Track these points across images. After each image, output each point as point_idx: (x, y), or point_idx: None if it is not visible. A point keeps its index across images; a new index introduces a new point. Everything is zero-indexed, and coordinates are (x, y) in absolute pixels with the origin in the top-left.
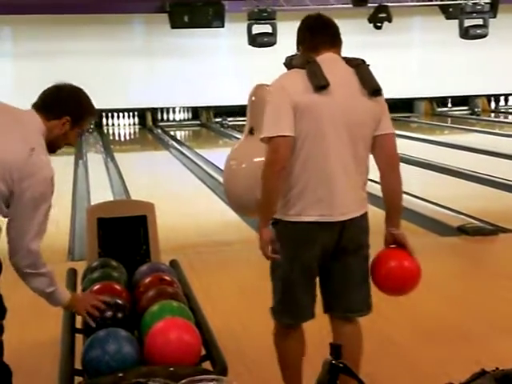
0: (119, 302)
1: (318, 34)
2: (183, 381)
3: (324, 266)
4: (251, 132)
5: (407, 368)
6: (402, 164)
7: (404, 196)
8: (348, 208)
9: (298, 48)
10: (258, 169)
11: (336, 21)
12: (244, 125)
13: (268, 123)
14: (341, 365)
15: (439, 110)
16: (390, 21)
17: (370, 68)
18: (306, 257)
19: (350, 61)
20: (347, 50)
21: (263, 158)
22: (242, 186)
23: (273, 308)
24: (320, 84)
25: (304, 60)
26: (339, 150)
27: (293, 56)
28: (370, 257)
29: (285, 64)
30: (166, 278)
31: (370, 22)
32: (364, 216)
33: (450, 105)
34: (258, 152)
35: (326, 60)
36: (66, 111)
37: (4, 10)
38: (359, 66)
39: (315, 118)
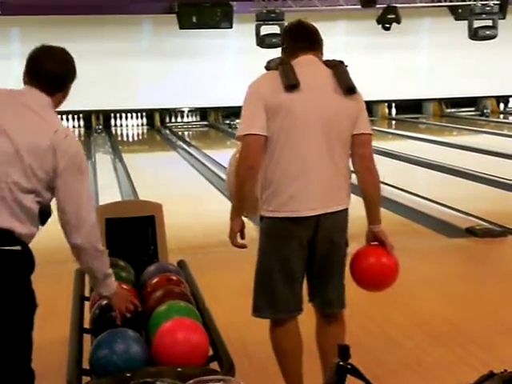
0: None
1: (298, 41)
2: (191, 381)
3: (305, 260)
4: None
5: (414, 370)
6: (411, 165)
7: (412, 197)
8: (319, 204)
9: (282, 53)
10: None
11: (344, 22)
12: None
13: (242, 122)
14: (348, 366)
15: (448, 110)
16: (398, 22)
17: (348, 68)
18: (284, 251)
19: (328, 62)
20: (355, 51)
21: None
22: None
23: (253, 304)
24: (290, 83)
25: (278, 62)
26: (312, 148)
27: (272, 59)
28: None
29: (265, 67)
30: (174, 278)
31: (379, 23)
32: (341, 213)
33: (449, 109)
34: None
35: (302, 62)
36: (70, 80)
37: (12, 10)
38: (336, 67)
39: (287, 117)
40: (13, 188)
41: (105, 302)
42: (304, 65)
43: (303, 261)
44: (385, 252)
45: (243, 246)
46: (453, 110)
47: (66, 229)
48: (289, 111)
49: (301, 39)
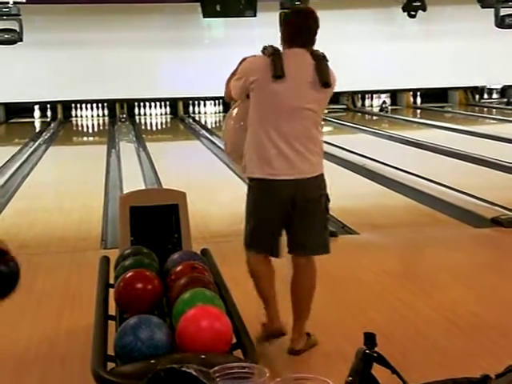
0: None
1: (295, 38)
2: (216, 367)
3: (287, 214)
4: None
5: (438, 360)
6: (436, 155)
7: (437, 187)
8: (295, 170)
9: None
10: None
11: (370, 10)
12: None
13: (234, 85)
14: (375, 354)
15: (484, 101)
16: (424, 9)
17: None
18: (265, 204)
19: (314, 54)
20: (380, 39)
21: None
22: (237, 139)
23: (244, 239)
24: (276, 74)
25: (271, 52)
26: (290, 126)
27: (267, 47)
28: None
29: (261, 51)
30: (198, 266)
31: (404, 11)
32: (317, 177)
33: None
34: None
35: (292, 54)
36: None
37: None
38: (319, 61)
39: (270, 100)
40: None
41: None
42: (293, 57)
43: (283, 213)
44: None
45: None
46: (486, 100)
47: None
48: (273, 96)
49: (298, 36)
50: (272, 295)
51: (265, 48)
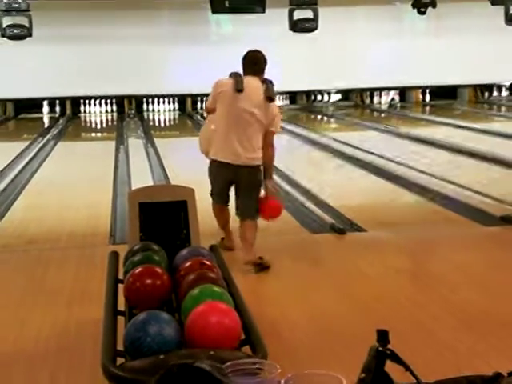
0: None
1: (249, 69)
2: (228, 363)
3: (230, 185)
4: None
5: (448, 358)
6: (444, 152)
7: (446, 184)
8: (239, 158)
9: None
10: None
11: (378, 7)
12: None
13: (209, 100)
14: (388, 351)
15: (493, 98)
16: (434, 6)
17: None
18: (217, 178)
19: (263, 79)
20: (389, 37)
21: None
22: (207, 137)
23: (211, 194)
24: (238, 88)
25: (235, 75)
26: (242, 126)
27: (233, 72)
28: None
29: (228, 75)
30: (206, 262)
31: (414, 7)
32: (253, 167)
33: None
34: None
35: (248, 78)
36: None
37: None
38: (266, 84)
39: (232, 105)
40: None
41: None
42: (249, 80)
43: (227, 185)
44: (272, 200)
45: None
46: (495, 97)
47: None
48: (234, 102)
49: (251, 69)
50: (227, 226)
51: (231, 73)
